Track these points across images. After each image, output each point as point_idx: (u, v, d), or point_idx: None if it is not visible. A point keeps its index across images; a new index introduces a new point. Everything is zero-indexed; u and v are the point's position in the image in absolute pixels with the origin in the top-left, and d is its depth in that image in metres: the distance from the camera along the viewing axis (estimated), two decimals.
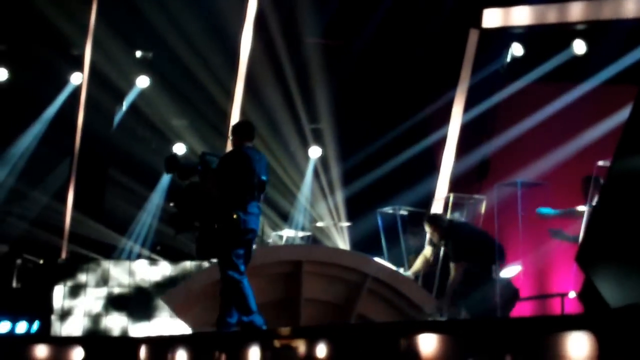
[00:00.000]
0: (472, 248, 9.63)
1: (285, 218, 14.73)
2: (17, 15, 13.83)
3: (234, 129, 8.19)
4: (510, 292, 12.46)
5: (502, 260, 9.58)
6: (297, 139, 14.94)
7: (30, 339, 8.50)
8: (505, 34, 13.99)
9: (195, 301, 10.15)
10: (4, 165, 14.70)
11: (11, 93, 14.65)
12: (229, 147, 13.79)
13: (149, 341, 6.15)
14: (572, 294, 11.36)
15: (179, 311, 10.10)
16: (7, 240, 14.38)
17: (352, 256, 10.88)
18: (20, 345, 6.77)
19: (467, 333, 4.22)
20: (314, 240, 14.09)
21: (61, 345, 6.47)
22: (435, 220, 10.00)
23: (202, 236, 7.72)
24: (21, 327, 11.91)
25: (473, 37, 13.90)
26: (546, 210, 10.04)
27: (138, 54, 15.20)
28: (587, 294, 4.47)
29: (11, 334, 11.52)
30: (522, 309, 13.23)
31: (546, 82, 13.82)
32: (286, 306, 9.78)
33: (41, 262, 12.90)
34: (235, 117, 14.26)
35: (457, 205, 13.51)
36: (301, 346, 4.87)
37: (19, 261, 12.96)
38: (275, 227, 14.29)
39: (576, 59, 13.70)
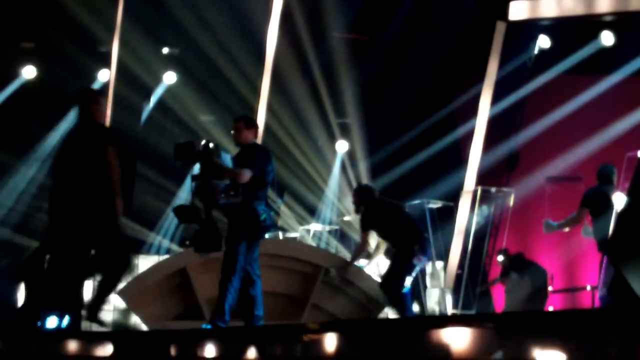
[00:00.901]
0: (386, 225, 9.50)
1: (312, 212, 14.75)
2: (44, 13, 13.93)
3: (251, 123, 8.06)
4: (542, 279, 12.42)
5: (420, 245, 9.29)
6: (324, 134, 14.95)
7: (60, 334, 8.57)
8: (532, 26, 13.94)
9: (149, 296, 10.15)
10: (33, 162, 14.82)
11: (40, 90, 14.77)
12: (258, 140, 13.93)
13: (180, 335, 6.19)
14: None
15: (133, 306, 10.11)
16: (38, 236, 14.51)
17: (305, 248, 10.86)
18: (51, 341, 6.83)
19: (497, 326, 4.22)
20: (342, 234, 14.11)
21: (91, 340, 6.51)
22: (358, 191, 9.97)
23: (205, 229, 7.71)
24: (52, 322, 12.00)
25: (500, 29, 13.86)
26: (551, 223, 9.93)
27: (165, 50, 15.26)
28: (618, 287, 4.44)
29: (42, 329, 11.62)
30: (552, 302, 13.19)
31: (574, 74, 13.77)
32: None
33: None
34: (262, 112, 14.30)
35: (485, 198, 13.49)
36: (330, 340, 4.88)
37: (48, 256, 13.06)
38: (303, 222, 14.33)
39: (604, 50, 13.63)
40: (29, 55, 15.01)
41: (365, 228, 9.60)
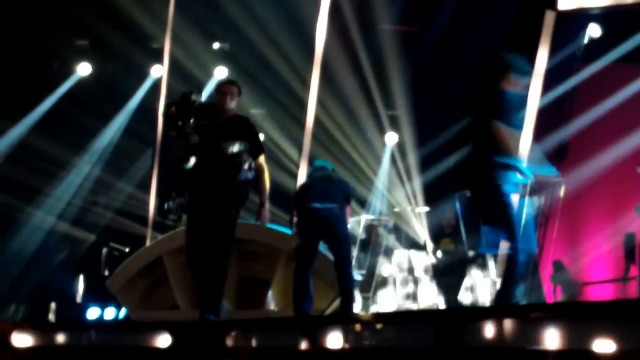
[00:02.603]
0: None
1: (362, 204, 14.82)
2: (98, 11, 14.17)
3: (241, 91, 7.62)
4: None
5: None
6: (374, 126, 15.01)
7: (118, 325, 8.74)
8: (582, 15, 13.84)
9: (134, 284, 10.00)
10: (90, 157, 15.09)
11: (95, 87, 15.04)
12: (308, 133, 14.08)
13: (238, 325, 6.33)
14: None
15: (121, 295, 10.01)
16: (95, 229, 14.80)
17: (264, 231, 9.72)
18: (108, 331, 6.98)
19: (548, 316, 4.28)
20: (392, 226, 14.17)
21: (148, 330, 6.63)
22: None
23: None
24: (110, 313, 12.28)
25: (549, 19, 13.77)
26: None
27: (215, 45, 15.42)
28: None
29: (100, 320, 11.89)
30: (602, 292, 13.14)
31: (625, 63, 13.65)
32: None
33: (127, 250, 13.23)
34: (312, 105, 14.39)
35: (535, 189, 13.45)
36: (383, 331, 4.98)
37: (105, 250, 13.32)
38: (353, 213, 14.41)
39: None
40: (84, 52, 15.28)
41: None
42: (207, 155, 7.35)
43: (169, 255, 9.82)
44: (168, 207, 7.43)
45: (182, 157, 7.36)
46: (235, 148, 7.30)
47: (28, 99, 14.38)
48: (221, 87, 7.60)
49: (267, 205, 7.41)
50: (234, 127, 7.39)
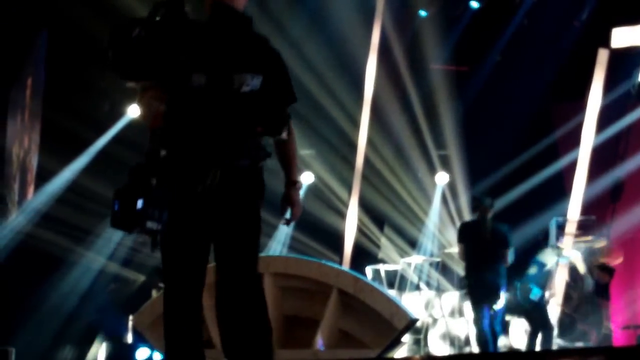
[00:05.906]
0: None
1: (413, 245, 14.72)
2: None
3: None
4: None
5: None
6: (425, 166, 14.93)
7: None
8: (636, 53, 13.71)
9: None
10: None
11: (145, 128, 15.09)
12: (358, 174, 14.02)
13: None
14: None
15: (148, 333, 9.63)
16: (144, 270, 14.83)
17: (314, 266, 9.44)
18: None
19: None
20: (443, 267, 14.03)
21: None
22: None
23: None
24: (159, 355, 12.23)
25: (602, 57, 13.65)
26: None
27: None
28: None
29: None
30: None
31: None
32: None
33: None
34: (362, 145, 14.37)
35: (589, 229, 13.26)
36: None
37: (154, 290, 13.34)
38: (404, 254, 14.31)
39: None
40: (135, 95, 15.37)
41: None
42: (208, 100, 4.27)
43: (205, 290, 9.47)
44: (144, 206, 4.17)
45: (160, 115, 4.40)
46: (256, 84, 4.31)
47: (79, 141, 14.50)
48: None
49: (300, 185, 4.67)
50: (250, 50, 4.33)
